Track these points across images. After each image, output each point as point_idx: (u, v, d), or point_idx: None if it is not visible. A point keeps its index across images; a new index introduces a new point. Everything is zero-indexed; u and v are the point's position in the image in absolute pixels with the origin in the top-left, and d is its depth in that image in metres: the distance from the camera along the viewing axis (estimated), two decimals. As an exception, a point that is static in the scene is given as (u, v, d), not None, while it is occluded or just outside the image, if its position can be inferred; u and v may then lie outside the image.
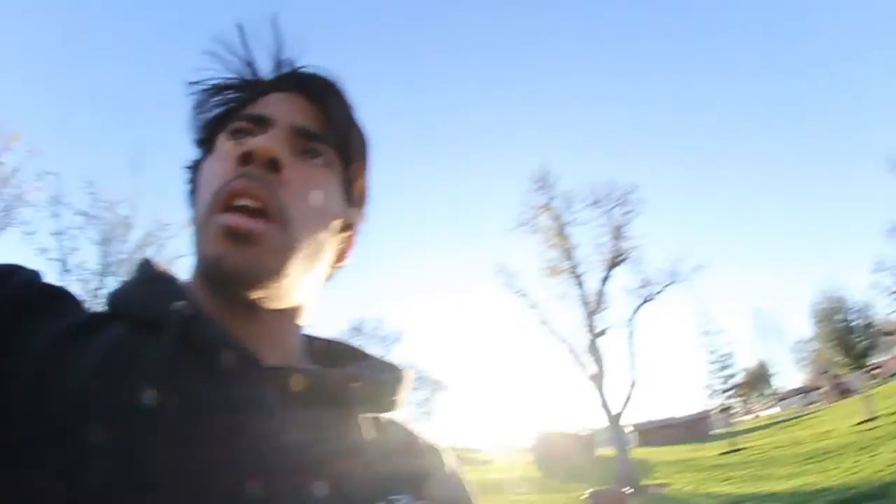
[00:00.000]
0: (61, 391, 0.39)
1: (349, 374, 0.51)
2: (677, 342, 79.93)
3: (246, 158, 0.49)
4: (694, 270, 17.78)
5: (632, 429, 39.32)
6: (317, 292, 0.58)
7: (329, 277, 0.61)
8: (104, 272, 16.44)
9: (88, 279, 16.13)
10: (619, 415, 16.45)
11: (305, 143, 0.53)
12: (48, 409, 0.38)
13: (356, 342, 0.62)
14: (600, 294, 17.69)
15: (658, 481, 15.59)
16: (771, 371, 41.75)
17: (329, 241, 0.55)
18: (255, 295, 0.48)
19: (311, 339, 0.59)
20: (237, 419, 0.42)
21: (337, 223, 0.56)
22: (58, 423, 0.37)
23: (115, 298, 0.50)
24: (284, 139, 0.52)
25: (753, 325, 39.71)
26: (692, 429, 37.95)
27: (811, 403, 44.45)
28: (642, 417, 47.24)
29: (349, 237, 0.61)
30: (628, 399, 16.42)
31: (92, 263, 16.76)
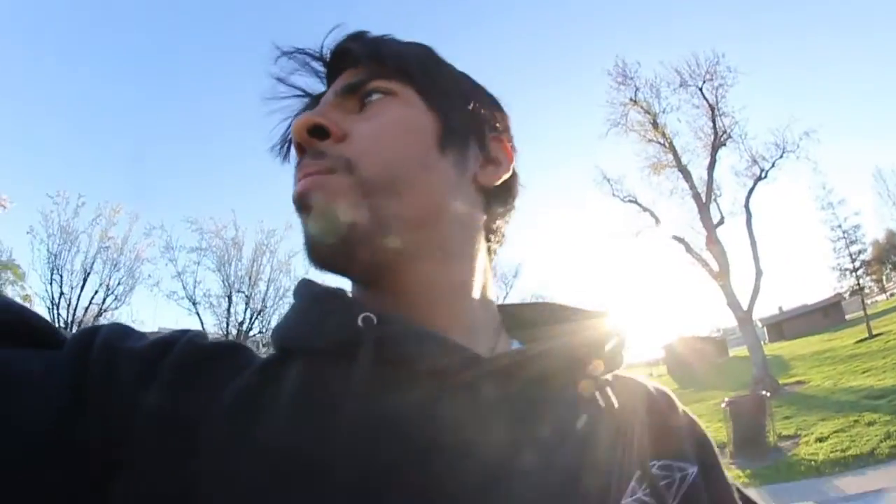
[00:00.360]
0: (253, 458, 0.35)
1: (574, 343, 0.46)
2: (799, 224, 73.24)
3: (299, 150, 0.46)
4: (804, 136, 15.90)
5: (760, 325, 38.40)
6: (475, 236, 0.50)
7: (497, 206, 0.53)
8: (229, 293, 18.41)
9: (216, 303, 18.25)
10: (748, 311, 15.20)
11: (356, 96, 0.48)
12: (240, 480, 0.34)
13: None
14: (710, 182, 16.23)
15: (795, 378, 15.17)
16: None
17: (436, 163, 0.46)
18: (378, 256, 0.43)
19: (505, 309, 0.55)
20: (483, 432, 0.38)
21: (431, 139, 0.47)
22: (254, 492, 0.34)
23: (283, 334, 0.44)
24: (331, 108, 0.47)
25: (876, 189, 35.11)
26: (826, 316, 36.46)
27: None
28: (773, 309, 45.59)
29: (493, 143, 0.52)
30: (756, 293, 15.17)
31: (216, 288, 18.64)
